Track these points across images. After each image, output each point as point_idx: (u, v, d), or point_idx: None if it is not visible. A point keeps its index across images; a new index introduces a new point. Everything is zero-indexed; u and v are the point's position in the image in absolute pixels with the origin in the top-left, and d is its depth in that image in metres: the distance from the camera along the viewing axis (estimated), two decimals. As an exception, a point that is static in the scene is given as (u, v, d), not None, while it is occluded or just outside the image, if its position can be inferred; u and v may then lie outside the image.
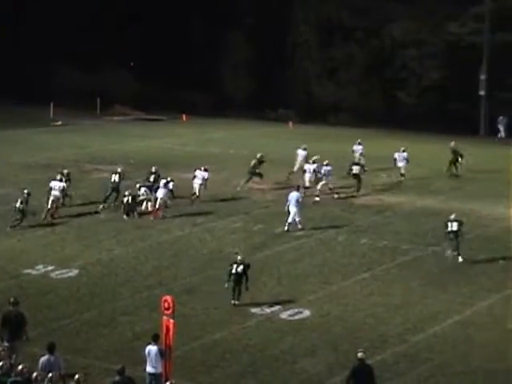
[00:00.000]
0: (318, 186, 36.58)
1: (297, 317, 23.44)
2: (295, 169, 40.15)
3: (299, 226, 31.51)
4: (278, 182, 39.69)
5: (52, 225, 32.06)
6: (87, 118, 59.44)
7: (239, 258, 24.50)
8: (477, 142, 44.29)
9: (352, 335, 21.99)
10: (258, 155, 39.16)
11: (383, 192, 37.91)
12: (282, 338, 22.02)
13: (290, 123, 60.92)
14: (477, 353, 21.00)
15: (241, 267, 24.14)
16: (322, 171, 36.88)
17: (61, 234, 31.29)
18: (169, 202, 33.81)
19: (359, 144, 43.08)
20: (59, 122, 58.00)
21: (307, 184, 37.12)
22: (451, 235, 28.58)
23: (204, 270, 27.28)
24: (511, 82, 57.10)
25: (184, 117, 62.27)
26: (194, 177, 36.15)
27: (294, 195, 32.11)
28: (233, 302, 24.09)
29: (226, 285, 24.19)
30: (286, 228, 31.49)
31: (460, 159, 41.32)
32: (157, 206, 33.44)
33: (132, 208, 33.40)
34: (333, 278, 26.48)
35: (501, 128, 56.40)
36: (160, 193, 33.61)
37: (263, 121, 63.11)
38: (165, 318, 18.86)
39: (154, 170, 36.19)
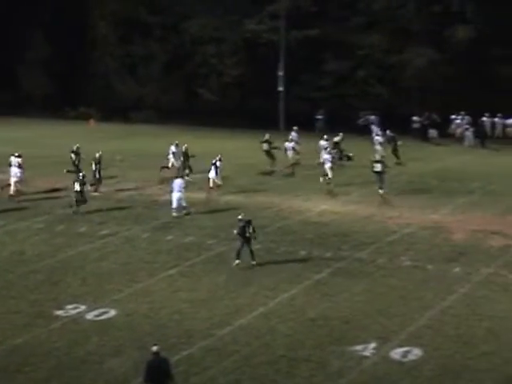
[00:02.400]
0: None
1: (102, 317, 23.19)
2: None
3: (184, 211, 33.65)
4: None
5: None
6: None
7: (240, 216, 27.11)
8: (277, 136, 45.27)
9: (159, 332, 22.01)
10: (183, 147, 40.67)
11: (186, 189, 38.07)
12: (87, 339, 21.73)
13: (92, 121, 60.25)
14: (280, 342, 21.54)
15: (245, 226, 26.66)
16: None
17: None
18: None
19: (326, 140, 42.74)
20: None
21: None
22: (376, 175, 35.24)
23: (4, 274, 26.54)
24: (306, 78, 58.99)
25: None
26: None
27: (177, 182, 34.03)
28: (253, 262, 26.97)
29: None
30: (175, 214, 33.37)
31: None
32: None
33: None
34: (139, 276, 26.40)
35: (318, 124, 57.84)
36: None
37: (63, 119, 62.13)
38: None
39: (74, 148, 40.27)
